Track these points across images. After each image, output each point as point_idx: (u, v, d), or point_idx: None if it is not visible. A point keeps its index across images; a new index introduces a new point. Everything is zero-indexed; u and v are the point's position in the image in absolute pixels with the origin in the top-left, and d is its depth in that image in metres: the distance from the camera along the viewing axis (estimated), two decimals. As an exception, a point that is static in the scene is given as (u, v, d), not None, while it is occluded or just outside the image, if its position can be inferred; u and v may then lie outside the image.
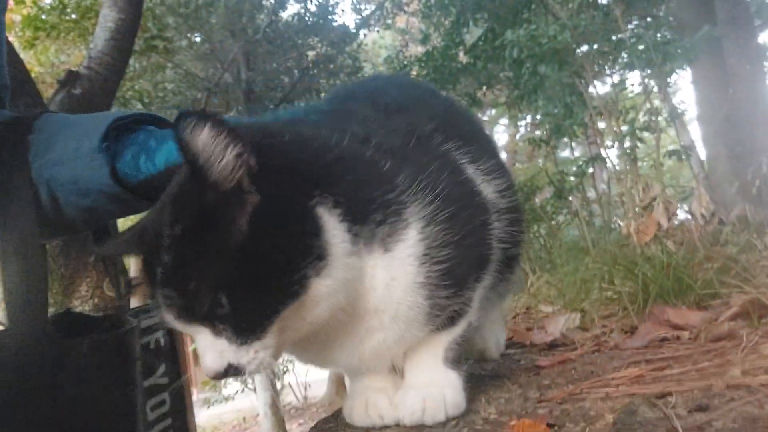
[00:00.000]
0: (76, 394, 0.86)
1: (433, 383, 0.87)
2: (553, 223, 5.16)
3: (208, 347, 0.71)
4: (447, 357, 0.89)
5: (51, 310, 1.14)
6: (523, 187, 6.69)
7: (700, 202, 2.62)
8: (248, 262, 0.68)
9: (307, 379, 9.46)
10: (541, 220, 4.77)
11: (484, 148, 1.00)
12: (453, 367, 0.89)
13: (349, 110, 0.94)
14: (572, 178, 5.60)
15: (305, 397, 9.79)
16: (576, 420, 0.77)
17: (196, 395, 9.31)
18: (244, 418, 9.70)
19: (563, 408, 0.83)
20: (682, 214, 2.77)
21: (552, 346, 1.48)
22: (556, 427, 0.76)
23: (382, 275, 0.76)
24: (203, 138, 0.66)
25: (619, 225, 3.17)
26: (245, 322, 0.70)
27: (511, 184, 1.01)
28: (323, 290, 0.71)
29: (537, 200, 6.62)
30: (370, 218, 0.74)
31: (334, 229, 0.71)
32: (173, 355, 1.23)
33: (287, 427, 8.09)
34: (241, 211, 0.69)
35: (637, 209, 2.79)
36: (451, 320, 0.86)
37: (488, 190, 0.91)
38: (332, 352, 0.84)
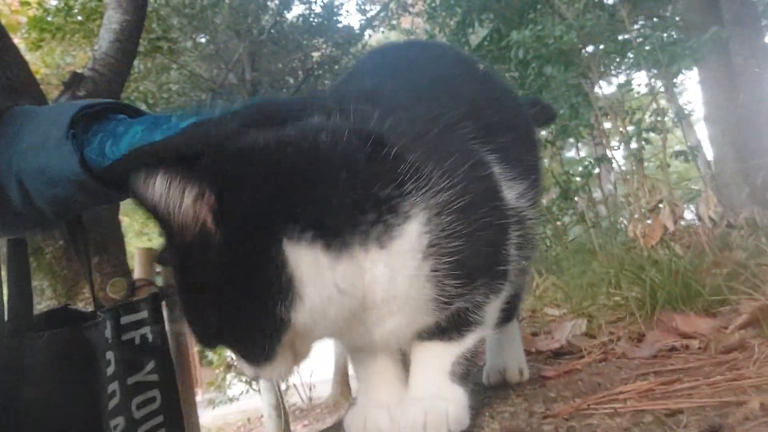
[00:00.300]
0: (33, 390, 0.83)
1: (437, 397, 0.83)
2: (559, 224, 5.13)
3: (239, 359, 0.75)
4: (454, 371, 0.85)
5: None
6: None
7: (708, 205, 2.57)
8: (228, 304, 0.68)
9: (311, 380, 9.45)
10: (546, 221, 4.74)
11: (517, 139, 0.94)
12: (460, 382, 0.85)
13: (371, 85, 0.91)
14: (578, 179, 5.56)
15: (310, 398, 9.78)
16: (583, 438, 0.75)
17: (201, 396, 9.32)
18: (248, 419, 9.69)
19: (569, 425, 0.80)
20: (689, 216, 2.73)
21: (558, 353, 1.46)
22: (562, 446, 0.73)
23: (383, 270, 0.73)
24: (157, 188, 0.65)
25: (625, 226, 3.14)
26: (249, 353, 0.72)
27: (537, 183, 0.97)
28: (304, 321, 0.69)
29: (543, 201, 6.58)
30: (361, 220, 0.71)
31: (299, 259, 0.68)
32: (164, 351, 1.19)
33: (292, 427, 8.08)
34: (210, 253, 0.68)
35: (643, 211, 2.75)
36: (459, 331, 0.83)
37: (511, 193, 0.86)
38: (346, 335, 0.82)
